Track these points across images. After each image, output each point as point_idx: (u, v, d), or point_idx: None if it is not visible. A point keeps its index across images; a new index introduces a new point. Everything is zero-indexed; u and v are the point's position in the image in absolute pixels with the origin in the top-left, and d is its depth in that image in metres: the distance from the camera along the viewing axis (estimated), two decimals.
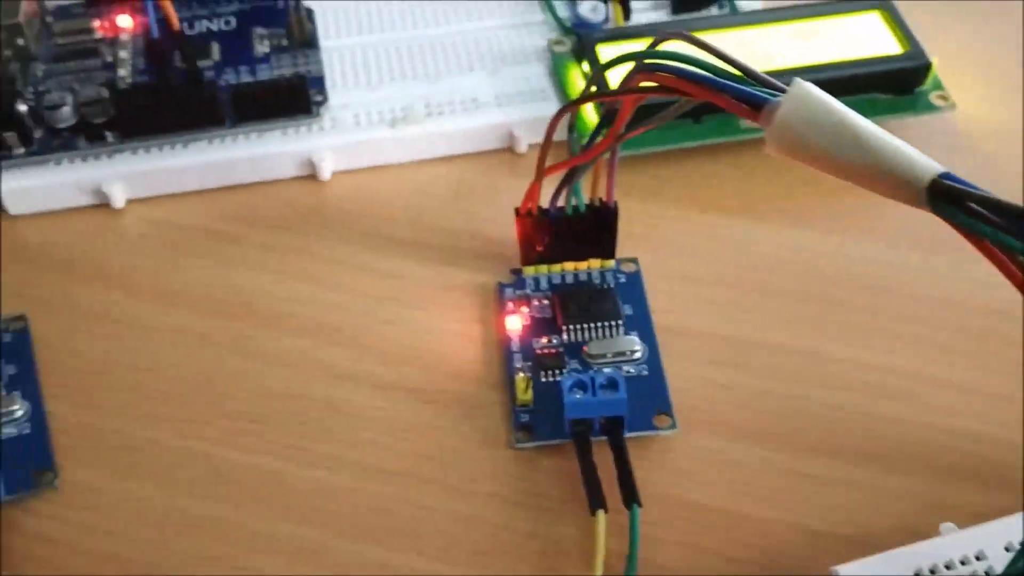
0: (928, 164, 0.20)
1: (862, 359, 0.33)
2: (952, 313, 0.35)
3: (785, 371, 0.33)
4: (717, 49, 0.25)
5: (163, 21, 0.37)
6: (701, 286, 0.36)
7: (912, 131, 0.41)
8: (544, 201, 0.33)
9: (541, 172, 0.31)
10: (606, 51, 0.39)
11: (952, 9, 0.46)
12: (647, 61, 0.26)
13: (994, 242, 0.19)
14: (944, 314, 0.34)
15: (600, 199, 0.33)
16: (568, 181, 0.32)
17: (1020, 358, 0.33)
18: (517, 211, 0.34)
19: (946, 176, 0.20)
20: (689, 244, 0.37)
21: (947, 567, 0.26)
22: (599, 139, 0.30)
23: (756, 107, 0.23)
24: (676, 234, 0.38)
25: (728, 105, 0.23)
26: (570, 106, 0.30)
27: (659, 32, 0.27)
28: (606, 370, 0.31)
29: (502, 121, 0.39)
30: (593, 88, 0.33)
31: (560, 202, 0.33)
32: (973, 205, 0.19)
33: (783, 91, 0.23)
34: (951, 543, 0.26)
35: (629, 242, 0.36)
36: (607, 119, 0.30)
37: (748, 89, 0.23)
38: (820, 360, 0.34)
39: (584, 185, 0.34)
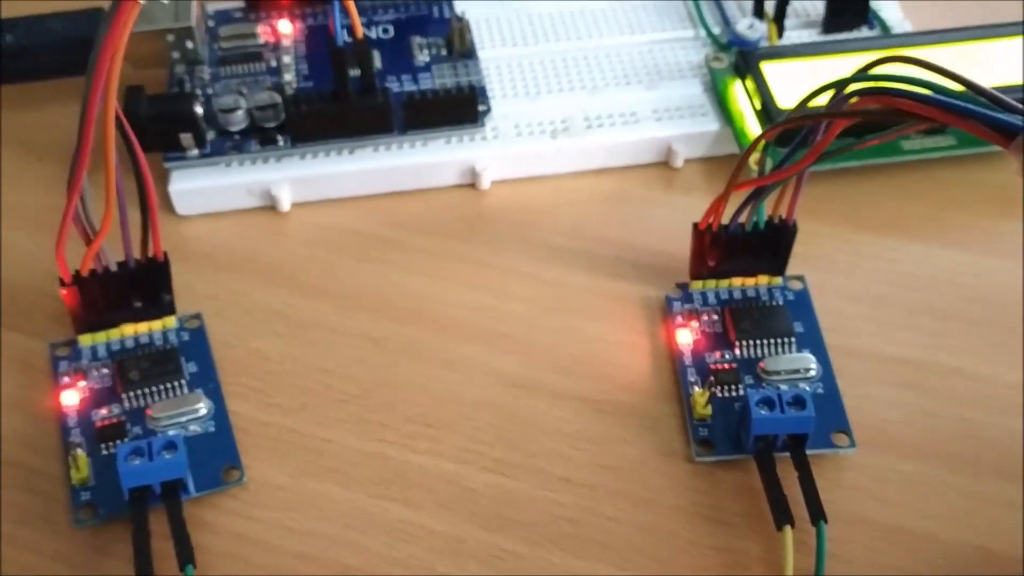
0: None
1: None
2: None
3: (958, 393, 0.33)
4: (955, 73, 0.25)
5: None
6: (864, 305, 0.36)
7: None
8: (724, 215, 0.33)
9: (731, 188, 0.31)
10: (770, 68, 0.40)
11: None
12: (877, 84, 0.25)
13: None
14: None
15: (780, 216, 0.33)
16: (756, 198, 0.32)
17: None
18: (695, 225, 0.34)
19: None
20: (850, 263, 0.37)
21: None
22: (796, 159, 0.30)
23: (1009, 134, 0.23)
24: (836, 252, 0.38)
25: (976, 131, 0.23)
26: (785, 123, 0.30)
27: (881, 56, 0.27)
28: (783, 386, 0.32)
29: (661, 136, 0.40)
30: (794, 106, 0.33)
31: (742, 218, 0.33)
32: None
33: None
34: None
35: (792, 260, 0.36)
36: (804, 139, 0.30)
37: (999, 116, 0.23)
38: (992, 384, 0.34)
39: (767, 201, 0.33)
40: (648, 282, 0.37)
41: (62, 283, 0.31)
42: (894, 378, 0.34)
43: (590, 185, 0.40)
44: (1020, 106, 0.23)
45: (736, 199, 0.33)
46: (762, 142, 0.31)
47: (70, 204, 0.29)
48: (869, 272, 0.37)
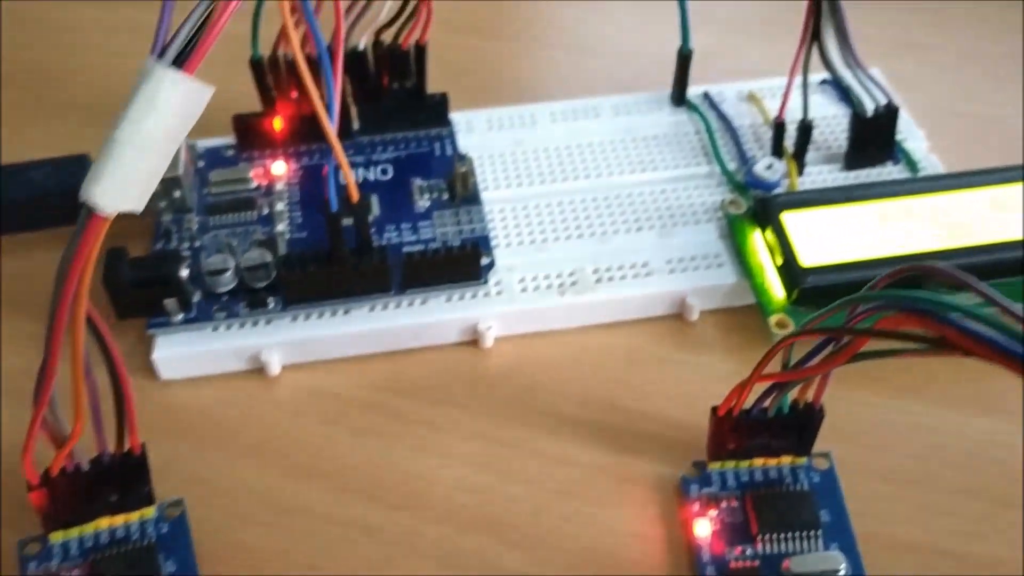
0: None
1: None
2: None
3: None
4: (1005, 302, 0.22)
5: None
6: (897, 485, 0.33)
7: None
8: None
9: (754, 379, 0.29)
10: (791, 219, 0.37)
11: None
12: (920, 302, 0.23)
13: None
14: None
15: (807, 402, 0.31)
16: (780, 389, 0.29)
17: None
18: (714, 410, 0.31)
19: None
20: (880, 434, 0.35)
21: None
22: (818, 359, 0.27)
23: None
24: (865, 422, 0.35)
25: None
26: (802, 334, 0.27)
27: (913, 266, 0.24)
28: None
29: (674, 289, 0.37)
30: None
31: (766, 404, 0.30)
32: None
33: None
34: None
35: (822, 432, 0.34)
36: (827, 340, 0.27)
37: None
38: None
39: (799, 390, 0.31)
40: (663, 459, 0.34)
41: (30, 487, 0.29)
42: (928, 570, 0.31)
43: (600, 341, 0.38)
44: None
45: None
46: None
47: (37, 414, 0.27)
48: (902, 444, 0.34)
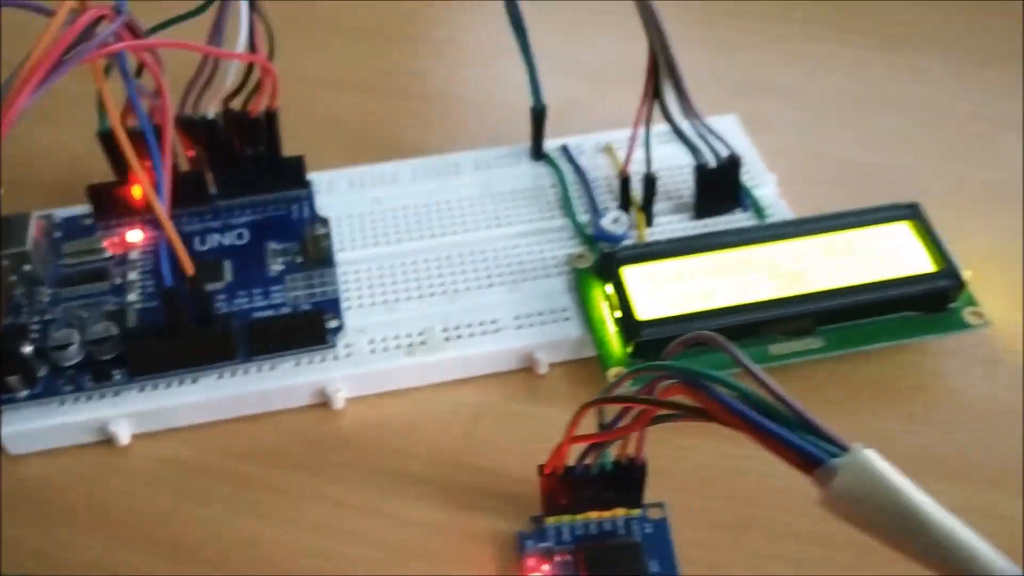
0: (1003, 570, 0.18)
1: None
2: None
3: None
4: (774, 387, 0.23)
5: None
6: (731, 532, 0.34)
7: (948, 344, 0.39)
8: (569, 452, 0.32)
9: (568, 440, 0.30)
10: (630, 272, 0.38)
11: (981, 207, 0.44)
12: (693, 376, 0.24)
13: None
14: None
15: (629, 457, 0.32)
16: (595, 449, 0.30)
17: None
18: (540, 469, 0.32)
19: None
20: (717, 480, 0.35)
21: None
22: (626, 420, 0.28)
23: (811, 464, 0.21)
24: (704, 469, 0.36)
25: (779, 453, 0.22)
26: (591, 405, 0.28)
27: (691, 335, 0.25)
28: None
29: (523, 345, 0.38)
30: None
31: (588, 460, 0.31)
32: None
33: (843, 450, 0.21)
34: None
35: (655, 480, 0.34)
36: (634, 399, 0.28)
37: (805, 444, 0.22)
38: None
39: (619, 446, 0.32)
40: (505, 514, 0.35)
41: None
42: None
43: (450, 398, 0.38)
44: (833, 435, 0.22)
45: None
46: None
47: None
48: (738, 490, 0.35)
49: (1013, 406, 0.38)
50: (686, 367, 0.24)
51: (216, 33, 0.36)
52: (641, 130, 0.40)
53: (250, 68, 0.38)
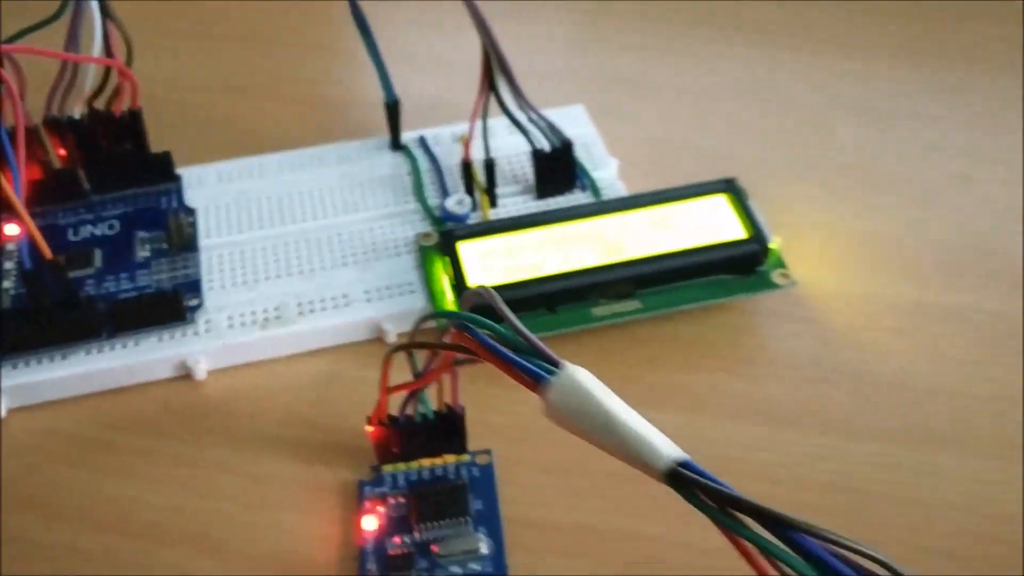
0: (668, 453, 0.22)
1: (686, 540, 0.35)
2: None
3: (630, 555, 0.35)
4: (513, 321, 0.27)
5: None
6: (554, 475, 0.38)
7: (760, 304, 0.43)
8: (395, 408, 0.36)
9: (384, 392, 0.33)
10: (466, 248, 0.42)
11: (798, 183, 0.48)
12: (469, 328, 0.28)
13: (718, 524, 0.21)
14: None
15: (447, 406, 0.35)
16: (412, 397, 0.34)
17: None
18: (368, 419, 0.35)
19: (683, 464, 0.22)
20: (544, 431, 0.39)
21: None
22: (433, 366, 0.32)
23: (535, 382, 0.25)
24: (532, 422, 0.39)
25: (515, 377, 0.25)
26: (393, 352, 0.32)
27: (466, 295, 0.29)
28: (455, 567, 0.35)
29: (371, 316, 0.42)
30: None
31: (408, 411, 0.35)
32: (701, 493, 0.21)
33: (558, 368, 0.25)
34: None
35: (487, 432, 0.38)
36: (426, 344, 0.32)
37: (530, 366, 0.25)
38: (665, 544, 0.35)
39: (431, 393, 0.35)
40: (351, 466, 0.38)
41: None
42: (568, 547, 0.36)
43: (305, 368, 0.42)
44: (551, 355, 0.25)
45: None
46: (391, 360, 0.33)
47: None
48: (561, 440, 0.39)
49: (819, 358, 0.42)
50: (459, 314, 0.28)
51: (72, 39, 0.39)
52: (479, 120, 0.44)
53: (108, 71, 0.42)
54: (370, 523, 0.36)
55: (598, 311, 0.41)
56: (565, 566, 0.35)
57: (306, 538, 0.36)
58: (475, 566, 0.35)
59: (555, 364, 0.25)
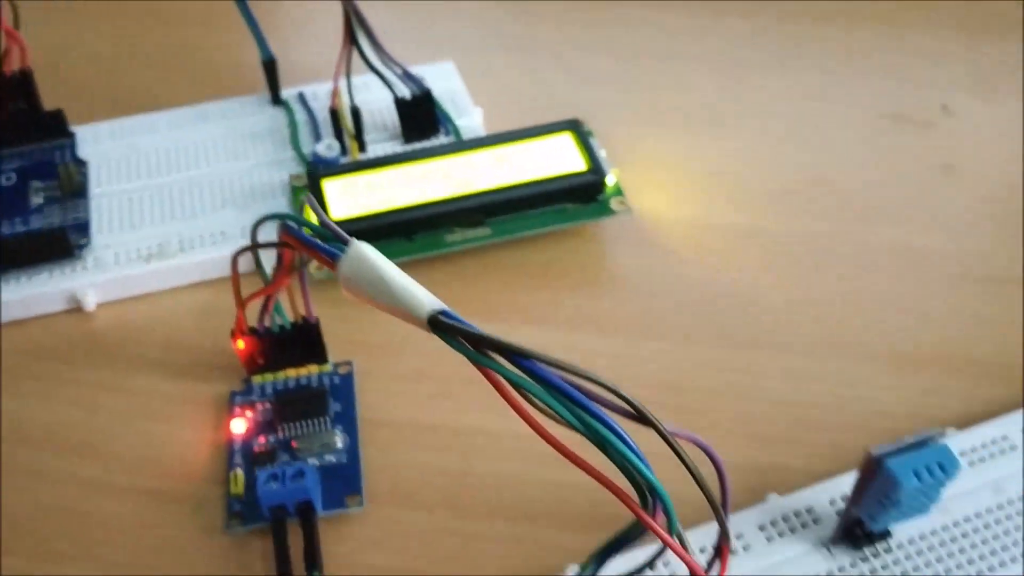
0: (428, 304, 0.26)
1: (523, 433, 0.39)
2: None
3: (472, 449, 0.40)
4: (320, 212, 0.31)
5: None
6: (409, 382, 0.42)
7: (606, 231, 0.48)
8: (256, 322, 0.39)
9: (239, 302, 0.38)
10: (330, 185, 0.46)
11: (640, 122, 0.53)
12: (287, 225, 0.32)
13: (476, 364, 0.25)
14: None
15: (303, 317, 0.40)
16: (266, 307, 0.38)
17: None
18: (232, 333, 0.40)
19: (441, 313, 0.26)
20: (401, 346, 0.43)
21: None
22: (278, 273, 0.36)
23: (331, 260, 0.29)
24: (392, 337, 0.44)
25: (318, 259, 0.30)
26: (238, 254, 0.36)
27: (299, 201, 0.33)
28: (313, 460, 0.39)
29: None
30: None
31: (267, 322, 0.39)
32: (460, 338, 0.25)
33: (347, 246, 0.29)
34: None
35: (349, 346, 0.43)
36: (267, 244, 0.36)
37: (327, 247, 0.29)
38: (502, 437, 0.40)
39: (287, 305, 0.40)
40: (224, 380, 0.42)
41: None
42: (419, 443, 0.40)
43: (187, 299, 0.46)
44: (343, 235, 0.29)
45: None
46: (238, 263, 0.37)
47: None
48: (416, 353, 0.43)
49: (655, 276, 0.47)
50: (282, 214, 0.32)
51: None
52: (343, 72, 0.48)
53: None
54: (238, 426, 0.40)
55: (451, 238, 0.46)
56: (413, 457, 0.40)
57: (183, 444, 0.41)
58: (331, 458, 0.39)
59: (346, 243, 0.28)
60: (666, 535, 0.24)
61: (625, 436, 0.23)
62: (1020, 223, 0.49)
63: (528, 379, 0.24)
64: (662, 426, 0.23)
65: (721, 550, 0.27)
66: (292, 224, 0.31)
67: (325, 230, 0.29)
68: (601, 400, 0.23)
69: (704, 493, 0.24)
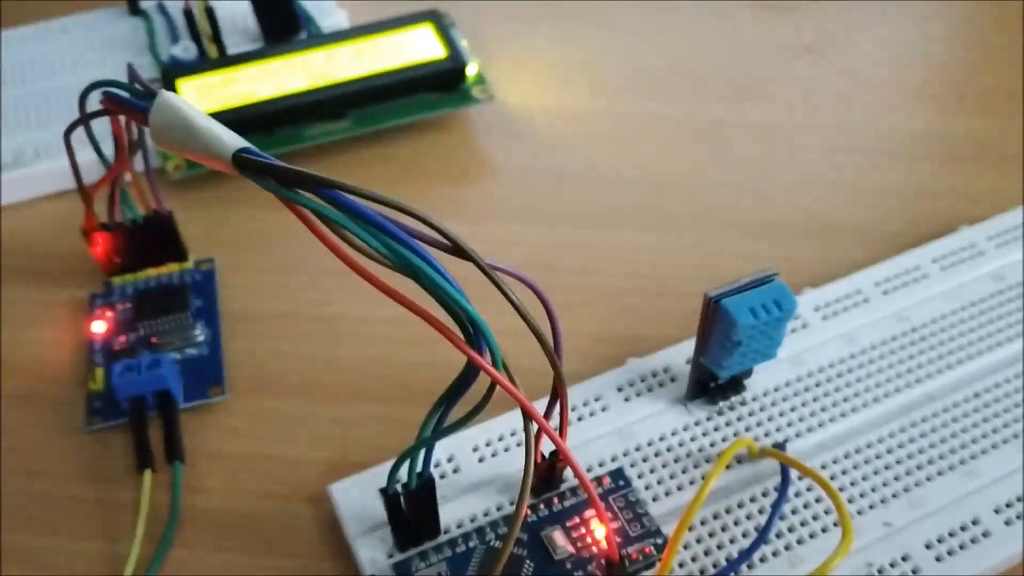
0: (231, 143, 0.26)
1: (390, 317, 0.39)
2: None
3: (336, 336, 0.40)
4: (134, 72, 0.30)
5: None
6: (274, 275, 0.42)
7: (472, 121, 0.48)
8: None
9: (82, 191, 0.37)
10: (185, 84, 0.45)
11: (505, 18, 0.53)
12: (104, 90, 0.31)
13: (284, 200, 0.24)
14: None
15: (154, 210, 0.39)
16: (112, 197, 0.38)
17: None
18: (81, 229, 0.39)
19: (245, 151, 0.25)
20: (266, 240, 0.43)
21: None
22: (116, 160, 0.36)
23: (140, 113, 0.28)
24: (257, 233, 0.44)
25: (131, 116, 0.29)
26: (72, 127, 0.35)
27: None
28: (174, 354, 0.38)
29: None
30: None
31: (117, 217, 0.38)
32: (267, 175, 0.25)
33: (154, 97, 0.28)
34: None
35: (214, 244, 0.42)
36: (117, 140, 0.35)
37: (136, 100, 0.29)
38: (368, 323, 0.40)
39: (139, 200, 0.39)
40: (87, 286, 0.42)
41: None
42: (283, 333, 0.40)
43: (46, 209, 0.45)
44: (152, 89, 0.29)
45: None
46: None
47: None
48: (280, 247, 0.43)
49: (521, 162, 0.47)
50: (103, 81, 0.31)
51: None
52: None
53: None
54: (98, 327, 0.40)
55: (311, 131, 0.45)
56: (276, 346, 0.40)
57: (44, 348, 0.40)
58: (192, 351, 0.39)
59: (154, 95, 0.28)
60: (490, 368, 0.24)
61: (438, 265, 0.23)
62: (878, 98, 0.50)
63: (339, 212, 0.23)
64: (479, 258, 0.23)
65: (557, 393, 0.27)
66: (111, 89, 0.30)
67: (138, 89, 0.29)
68: (417, 233, 0.23)
69: (529, 326, 0.24)
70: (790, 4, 0.54)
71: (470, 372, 0.26)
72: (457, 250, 0.23)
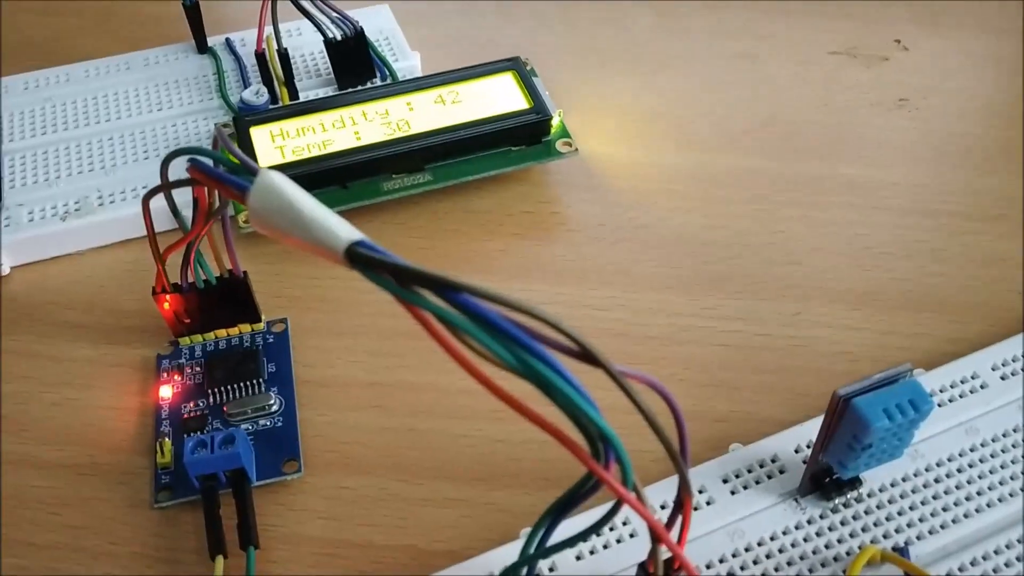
0: (346, 235, 0.24)
1: (469, 388, 0.37)
2: None
3: (411, 406, 0.37)
4: (225, 139, 0.28)
5: None
6: (347, 338, 0.40)
7: (552, 175, 0.45)
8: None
9: (155, 253, 0.35)
10: (258, 132, 0.43)
11: (583, 65, 0.51)
12: (192, 159, 0.29)
13: (402, 301, 0.22)
14: None
15: (229, 271, 0.37)
16: (187, 259, 0.35)
17: None
18: (153, 291, 0.37)
19: (360, 244, 0.23)
20: (339, 301, 0.41)
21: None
22: (196, 218, 0.33)
23: (240, 192, 0.26)
24: (328, 293, 0.41)
25: (226, 193, 0.27)
26: (152, 193, 0.33)
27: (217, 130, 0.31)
28: (247, 425, 0.36)
29: (164, 204, 0.43)
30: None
31: (190, 278, 0.36)
32: (383, 272, 0.23)
33: (255, 176, 0.26)
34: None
35: (284, 303, 0.40)
36: (178, 182, 0.33)
37: (234, 178, 0.27)
38: (443, 392, 0.38)
39: (211, 260, 0.37)
40: (150, 344, 0.40)
41: None
42: (359, 401, 0.38)
43: (108, 259, 0.43)
44: (253, 166, 0.27)
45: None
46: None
47: None
48: (354, 308, 0.41)
49: (605, 219, 0.45)
50: (188, 148, 0.30)
51: None
52: (268, 15, 0.45)
53: None
54: (166, 392, 0.37)
55: (388, 185, 0.43)
56: (353, 418, 0.37)
57: (107, 412, 0.38)
58: (266, 422, 0.36)
59: (254, 173, 0.26)
60: (620, 487, 0.22)
61: (570, 376, 0.21)
62: (974, 156, 0.47)
63: (461, 316, 0.21)
64: (611, 364, 0.21)
65: (682, 502, 0.25)
66: (200, 158, 0.28)
67: (236, 163, 0.27)
68: (544, 339, 0.21)
69: (660, 438, 0.22)
70: (878, 54, 0.52)
71: (587, 486, 0.24)
72: (587, 356, 0.21)
